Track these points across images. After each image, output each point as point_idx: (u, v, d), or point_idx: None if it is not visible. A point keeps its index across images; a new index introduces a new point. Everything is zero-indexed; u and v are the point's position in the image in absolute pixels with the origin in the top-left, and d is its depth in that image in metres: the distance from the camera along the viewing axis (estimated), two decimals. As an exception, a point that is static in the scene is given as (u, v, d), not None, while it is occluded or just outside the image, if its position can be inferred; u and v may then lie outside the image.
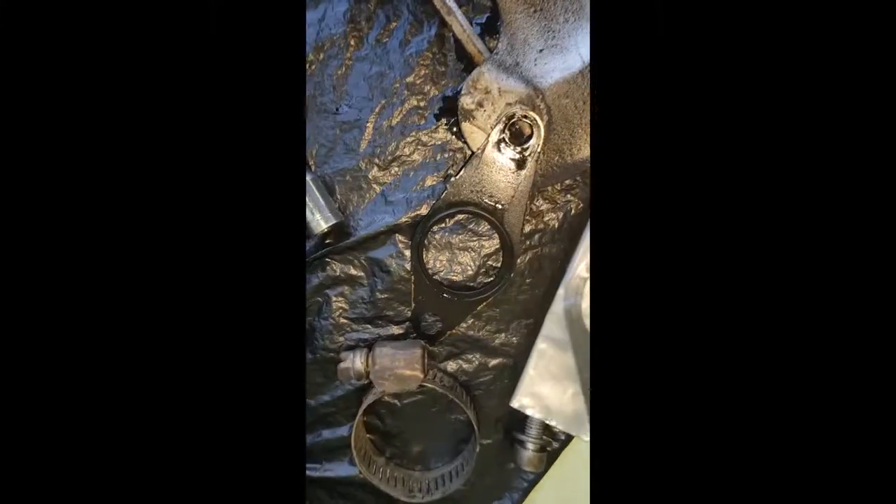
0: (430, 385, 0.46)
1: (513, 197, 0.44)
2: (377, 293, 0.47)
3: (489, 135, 0.42)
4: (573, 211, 0.46)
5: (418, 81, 0.45)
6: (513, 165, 0.43)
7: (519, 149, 0.42)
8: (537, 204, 0.46)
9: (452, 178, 0.44)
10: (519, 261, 0.47)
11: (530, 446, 0.47)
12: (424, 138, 0.45)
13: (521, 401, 0.44)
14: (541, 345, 0.44)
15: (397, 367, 0.45)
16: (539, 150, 0.42)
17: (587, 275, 0.43)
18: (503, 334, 0.49)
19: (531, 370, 0.44)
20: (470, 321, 0.48)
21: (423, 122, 0.45)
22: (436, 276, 0.47)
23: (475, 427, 0.46)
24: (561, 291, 0.43)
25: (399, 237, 0.46)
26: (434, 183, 0.46)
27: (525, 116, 0.42)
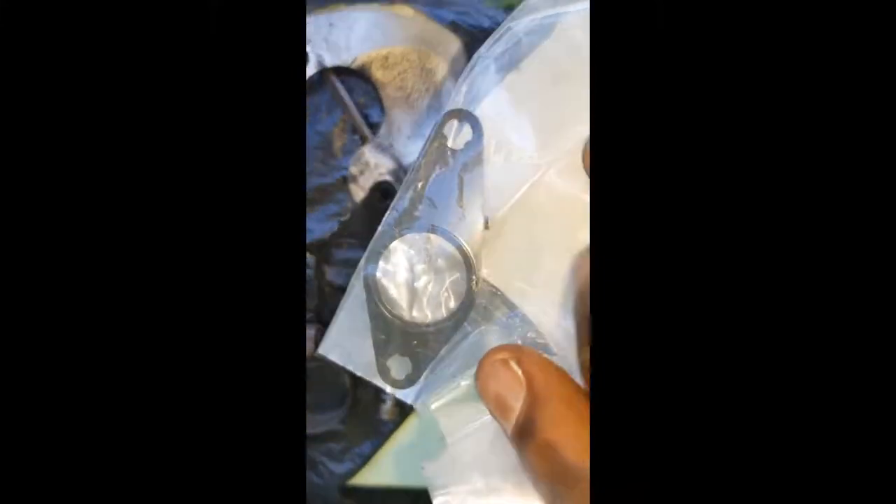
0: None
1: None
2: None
3: (365, 191, 0.60)
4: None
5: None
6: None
7: (385, 203, 0.59)
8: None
9: (339, 220, 0.61)
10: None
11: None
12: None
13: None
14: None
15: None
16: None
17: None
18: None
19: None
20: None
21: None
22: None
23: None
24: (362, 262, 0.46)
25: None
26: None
27: (389, 181, 0.59)
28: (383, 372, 0.46)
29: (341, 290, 0.60)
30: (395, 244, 0.44)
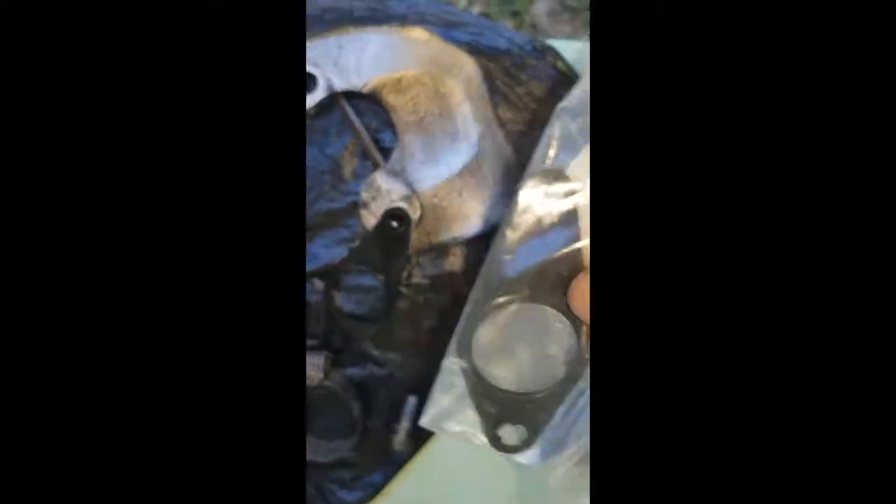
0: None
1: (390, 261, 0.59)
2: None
3: (377, 217, 0.58)
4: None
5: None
6: (394, 242, 0.59)
7: (396, 231, 0.58)
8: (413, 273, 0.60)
9: (350, 246, 0.59)
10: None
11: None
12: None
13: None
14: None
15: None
16: (412, 233, 0.58)
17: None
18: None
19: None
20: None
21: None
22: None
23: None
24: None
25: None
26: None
27: (401, 208, 0.57)
28: (494, 440, 0.44)
29: (352, 317, 0.58)
30: (492, 316, 0.42)
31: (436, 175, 0.58)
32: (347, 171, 0.59)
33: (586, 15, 1.00)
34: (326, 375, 0.60)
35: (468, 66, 0.54)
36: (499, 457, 0.48)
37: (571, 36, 1.03)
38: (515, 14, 0.98)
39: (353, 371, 0.61)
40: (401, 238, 0.57)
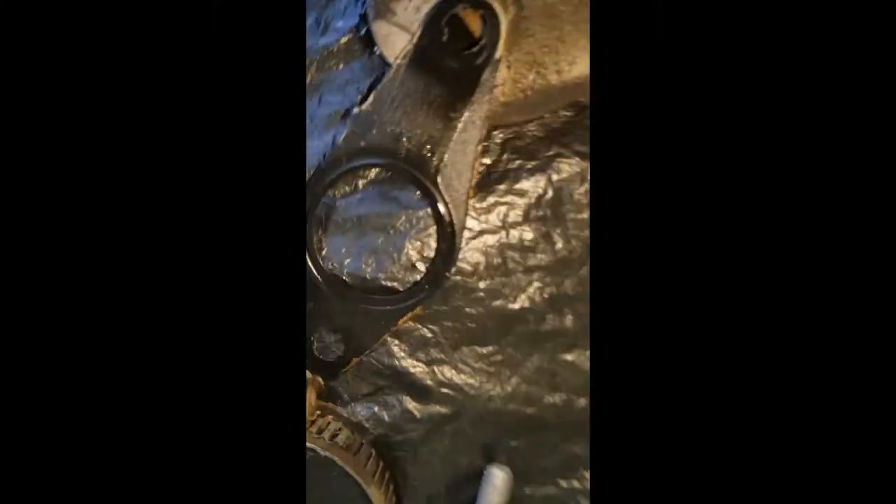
0: (313, 445, 0.33)
1: (453, 141, 0.28)
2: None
3: (413, 35, 0.26)
4: (556, 176, 0.33)
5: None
6: (454, 87, 0.27)
7: (464, 56, 0.26)
8: (495, 157, 0.32)
9: (355, 111, 0.28)
10: (463, 250, 0.32)
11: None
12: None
13: None
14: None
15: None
16: (498, 58, 0.26)
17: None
18: (443, 366, 0.35)
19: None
20: (390, 342, 0.34)
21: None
22: (334, 273, 0.33)
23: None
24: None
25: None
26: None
27: (475, 4, 0.25)
28: None
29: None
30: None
31: None
32: None
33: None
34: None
35: None
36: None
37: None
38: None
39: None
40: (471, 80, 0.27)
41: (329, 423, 0.35)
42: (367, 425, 0.36)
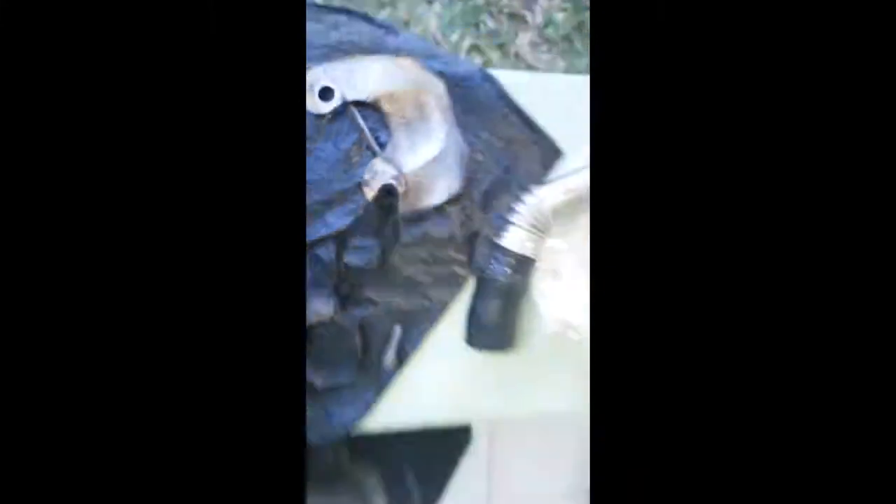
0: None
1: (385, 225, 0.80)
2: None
3: (375, 192, 0.80)
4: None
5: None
6: (388, 211, 0.80)
7: (389, 201, 0.80)
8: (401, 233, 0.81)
9: (355, 215, 0.80)
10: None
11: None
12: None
13: None
14: None
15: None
16: (399, 204, 0.79)
17: None
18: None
19: None
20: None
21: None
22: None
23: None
24: None
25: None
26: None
27: (392, 184, 0.80)
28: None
29: (357, 270, 0.79)
30: None
31: (416, 161, 0.80)
32: (354, 159, 0.82)
33: (564, 45, 1.14)
34: (335, 313, 0.81)
35: (439, 86, 0.79)
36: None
37: (549, 63, 1.18)
38: (501, 46, 1.14)
39: (357, 311, 0.81)
40: (392, 207, 0.79)
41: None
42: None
